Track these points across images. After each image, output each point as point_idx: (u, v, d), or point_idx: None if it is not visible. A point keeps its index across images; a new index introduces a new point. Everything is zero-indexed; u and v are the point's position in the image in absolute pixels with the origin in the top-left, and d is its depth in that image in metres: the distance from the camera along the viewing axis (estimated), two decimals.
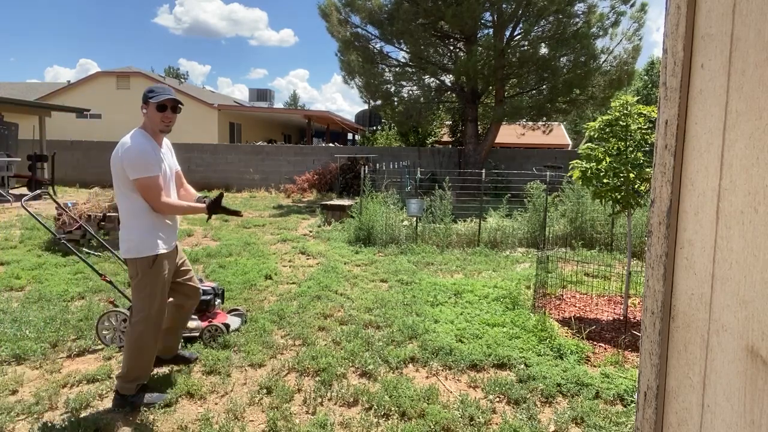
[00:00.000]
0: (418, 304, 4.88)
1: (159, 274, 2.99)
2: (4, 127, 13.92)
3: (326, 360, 3.56)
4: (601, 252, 7.55)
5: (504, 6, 14.25)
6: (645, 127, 4.41)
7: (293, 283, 5.73)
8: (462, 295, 5.16)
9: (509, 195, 9.14)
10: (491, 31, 15.23)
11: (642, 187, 4.28)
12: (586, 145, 4.75)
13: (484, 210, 8.71)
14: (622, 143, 4.45)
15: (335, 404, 3.06)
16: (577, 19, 14.51)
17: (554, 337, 3.96)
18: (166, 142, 3.16)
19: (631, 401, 3.06)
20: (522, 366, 3.54)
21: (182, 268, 3.33)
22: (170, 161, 3.15)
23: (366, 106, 20.44)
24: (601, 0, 14.58)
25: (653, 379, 1.22)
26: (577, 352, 3.75)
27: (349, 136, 32.92)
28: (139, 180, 2.86)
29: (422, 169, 11.18)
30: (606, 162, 4.45)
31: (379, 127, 25.27)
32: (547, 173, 8.28)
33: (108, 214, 7.23)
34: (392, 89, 16.00)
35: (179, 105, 3.02)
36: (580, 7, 14.48)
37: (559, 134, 26.50)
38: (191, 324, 3.92)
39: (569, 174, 4.84)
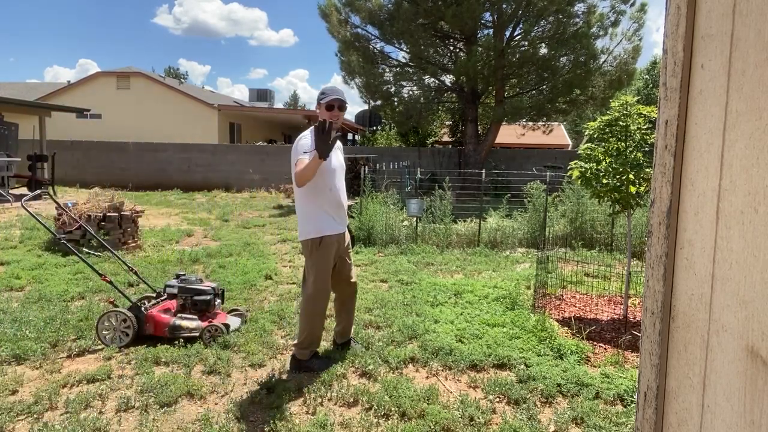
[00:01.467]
0: (418, 304, 4.88)
1: (324, 255, 3.36)
2: (4, 127, 13.90)
3: None
4: (601, 252, 7.55)
5: (504, 6, 14.27)
6: (645, 127, 4.41)
7: (293, 283, 5.73)
8: (462, 296, 5.16)
9: (509, 195, 9.13)
10: (491, 31, 15.25)
11: (641, 188, 4.27)
12: (586, 145, 4.74)
13: (484, 210, 8.71)
14: (622, 143, 4.45)
15: (335, 404, 3.06)
16: (577, 19, 14.52)
17: (554, 338, 3.96)
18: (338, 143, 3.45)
19: (631, 401, 3.06)
20: (522, 366, 3.54)
21: (342, 256, 3.55)
22: (339, 157, 3.52)
23: (366, 106, 20.42)
24: (601, 0, 14.60)
25: (653, 380, 1.22)
26: (577, 353, 3.74)
27: (349, 136, 32.88)
28: (296, 162, 3.19)
29: (422, 170, 11.17)
30: (606, 162, 4.45)
31: (379, 128, 25.25)
32: (547, 173, 8.28)
33: (108, 214, 7.22)
34: (392, 89, 16.01)
35: (345, 104, 3.41)
36: (580, 7, 14.50)
37: (559, 134, 26.51)
38: (191, 324, 3.93)
39: (568, 174, 4.83)
